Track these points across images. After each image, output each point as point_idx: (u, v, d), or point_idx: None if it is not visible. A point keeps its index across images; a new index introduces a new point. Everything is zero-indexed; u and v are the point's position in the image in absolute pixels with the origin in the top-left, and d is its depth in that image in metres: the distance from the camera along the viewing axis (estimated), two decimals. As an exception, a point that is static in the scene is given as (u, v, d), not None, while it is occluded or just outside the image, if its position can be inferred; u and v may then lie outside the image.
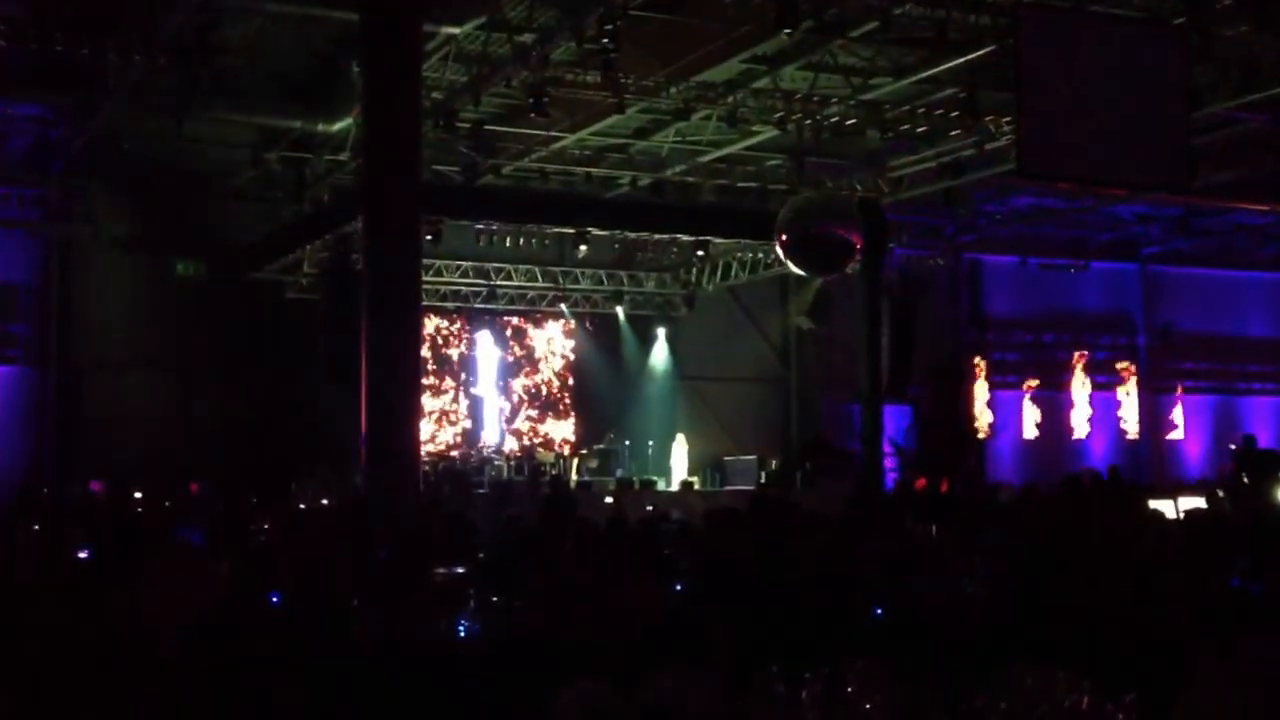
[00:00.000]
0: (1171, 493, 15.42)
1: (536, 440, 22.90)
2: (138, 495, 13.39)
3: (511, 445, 22.49)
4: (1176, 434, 25.10)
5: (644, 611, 6.91)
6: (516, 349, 23.19)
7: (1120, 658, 5.21)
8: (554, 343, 23.41)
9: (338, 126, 17.23)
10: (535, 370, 23.28)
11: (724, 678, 4.37)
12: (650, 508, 14.88)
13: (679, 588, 7.79)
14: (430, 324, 21.76)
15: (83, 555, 8.08)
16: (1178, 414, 25.21)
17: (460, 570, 7.83)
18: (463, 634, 6.45)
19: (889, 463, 20.11)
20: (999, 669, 4.60)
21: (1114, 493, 13.34)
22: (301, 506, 15.59)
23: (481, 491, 19.23)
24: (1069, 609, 6.69)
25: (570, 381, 23.42)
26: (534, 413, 23.16)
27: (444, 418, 22.29)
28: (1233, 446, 19.19)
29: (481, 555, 8.66)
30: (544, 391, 23.28)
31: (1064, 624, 6.37)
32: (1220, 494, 15.83)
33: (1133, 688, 4.35)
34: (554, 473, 20.43)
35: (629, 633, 6.10)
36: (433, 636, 5.83)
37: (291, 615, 5.92)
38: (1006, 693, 4.38)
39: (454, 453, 21.95)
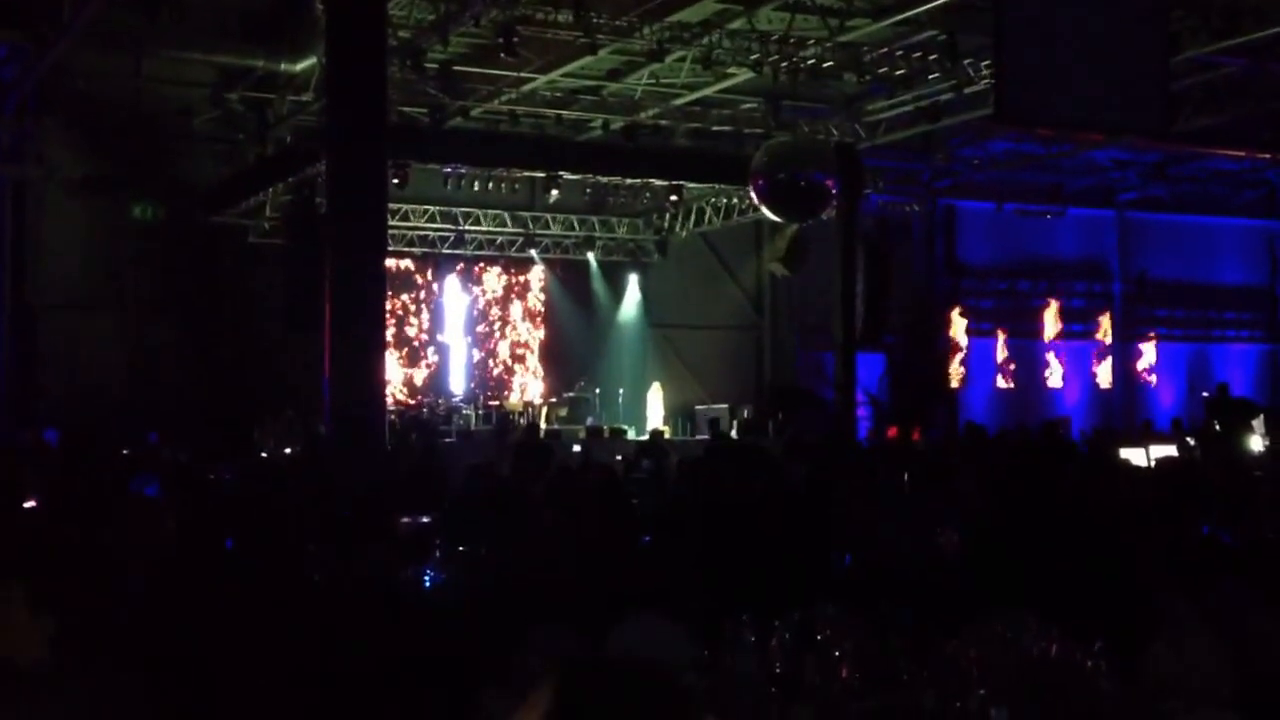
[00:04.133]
0: (1143, 441, 15.37)
1: (504, 389, 22.68)
2: (93, 444, 13.10)
3: (479, 395, 22.24)
4: (1149, 381, 25.07)
5: (612, 561, 6.74)
6: (485, 296, 22.90)
7: (1091, 605, 5.07)
8: (523, 290, 23.14)
9: (301, 66, 16.82)
10: (504, 318, 23.02)
11: (692, 626, 4.21)
12: (620, 457, 14.69)
13: (647, 539, 7.65)
14: (400, 265, 21.49)
15: (30, 505, 7.86)
16: (1151, 362, 25.17)
17: (425, 519, 7.64)
18: (428, 583, 6.26)
19: (862, 411, 19.99)
20: (969, 617, 4.45)
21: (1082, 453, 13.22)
22: (263, 455, 15.35)
23: (449, 441, 19.01)
24: (1039, 558, 6.58)
25: (540, 329, 23.18)
26: (502, 361, 22.92)
27: (410, 365, 22.02)
28: (1205, 395, 19.15)
29: (447, 505, 8.48)
30: (512, 339, 23.03)
31: (1034, 572, 6.26)
32: (1191, 442, 15.80)
33: (1103, 635, 4.21)
34: (526, 421, 20.22)
35: (597, 581, 5.93)
36: (395, 585, 5.64)
37: (244, 561, 5.72)
38: (976, 640, 4.23)
39: (420, 400, 21.69)
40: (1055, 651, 4.06)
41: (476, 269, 22.77)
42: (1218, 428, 16.32)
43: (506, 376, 22.87)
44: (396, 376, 20.84)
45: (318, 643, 4.41)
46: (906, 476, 9.36)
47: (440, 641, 4.72)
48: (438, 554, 7.03)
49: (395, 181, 17.12)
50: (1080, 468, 10.15)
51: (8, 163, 17.51)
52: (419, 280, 22.24)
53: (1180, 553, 6.90)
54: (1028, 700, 3.80)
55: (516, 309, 23.09)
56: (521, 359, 23.03)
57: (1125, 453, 13.04)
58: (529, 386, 22.87)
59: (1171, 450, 13.64)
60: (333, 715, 4.05)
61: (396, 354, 21.06)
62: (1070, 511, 7.73)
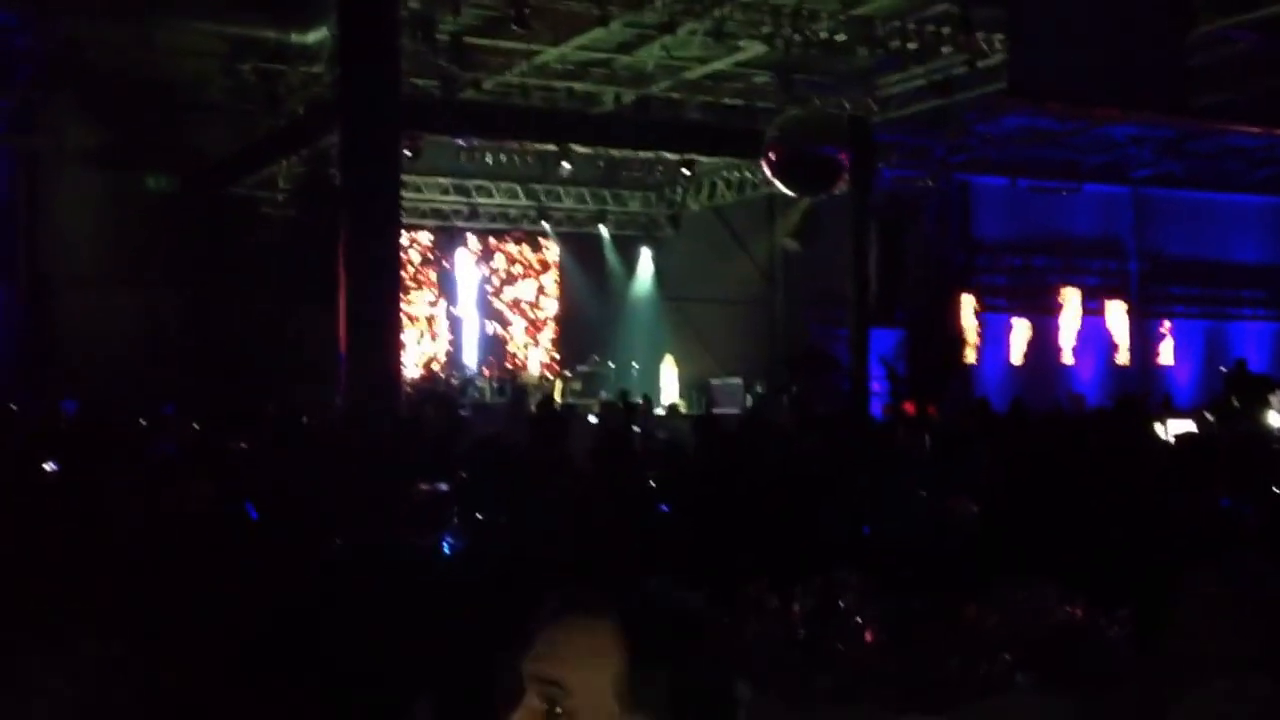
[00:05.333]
0: (1160, 417, 15.33)
1: (518, 362, 22.68)
2: (112, 413, 13.11)
3: (493, 368, 22.25)
4: (1166, 359, 24.96)
5: (629, 532, 6.74)
6: (497, 269, 22.88)
7: (1111, 575, 5.06)
8: (536, 263, 23.12)
9: (312, 38, 16.79)
10: (517, 291, 23.00)
11: (712, 591, 4.21)
12: (636, 429, 14.68)
13: (665, 509, 7.65)
14: (420, 239, 21.53)
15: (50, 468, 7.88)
16: (1167, 339, 25.06)
17: (443, 487, 7.66)
18: (447, 550, 6.27)
19: (876, 386, 19.94)
20: (988, 585, 4.44)
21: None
22: (278, 425, 15.34)
23: (464, 414, 19.01)
24: (1057, 528, 6.57)
25: (553, 302, 23.16)
26: (516, 334, 22.92)
27: (424, 339, 22.01)
28: (1223, 370, 19.08)
29: (465, 473, 8.50)
30: (525, 312, 23.02)
31: (1053, 542, 6.25)
32: (1209, 417, 15.76)
33: (1123, 603, 4.20)
34: (543, 393, 20.22)
35: (615, 551, 5.93)
36: (414, 552, 5.64)
37: (268, 527, 5.73)
38: (999, 606, 4.23)
39: (434, 373, 21.69)
40: (1080, 617, 4.05)
41: (489, 242, 22.74)
42: (1235, 403, 16.26)
43: (520, 350, 22.87)
44: (409, 351, 20.84)
45: (341, 607, 4.41)
46: (924, 448, 9.36)
47: (461, 606, 4.73)
48: (455, 521, 7.04)
49: (408, 154, 17.09)
50: (1103, 438, 10.12)
51: (20, 134, 17.50)
52: (433, 253, 22.24)
53: (1201, 524, 6.89)
54: (1052, 666, 3.79)
55: (529, 282, 23.07)
56: (535, 332, 23.03)
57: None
58: (542, 360, 22.87)
59: (1190, 425, 13.59)
60: (358, 679, 4.06)
61: (410, 328, 21.05)
62: (1089, 482, 7.71)
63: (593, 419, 17.22)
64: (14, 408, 14.20)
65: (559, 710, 1.75)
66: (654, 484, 8.26)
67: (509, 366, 22.44)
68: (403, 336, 16.52)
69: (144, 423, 13.72)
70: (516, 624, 3.97)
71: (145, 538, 5.24)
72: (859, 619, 4.34)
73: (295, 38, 16.88)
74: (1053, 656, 3.86)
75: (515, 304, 22.95)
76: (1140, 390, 20.17)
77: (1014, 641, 3.93)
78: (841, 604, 4.38)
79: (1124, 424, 11.02)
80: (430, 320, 22.11)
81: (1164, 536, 6.33)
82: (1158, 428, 13.20)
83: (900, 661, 4.01)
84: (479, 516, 7.27)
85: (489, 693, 3.39)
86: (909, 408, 18.73)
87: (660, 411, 20.30)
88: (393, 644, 4.20)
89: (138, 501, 5.78)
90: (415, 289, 21.62)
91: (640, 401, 19.54)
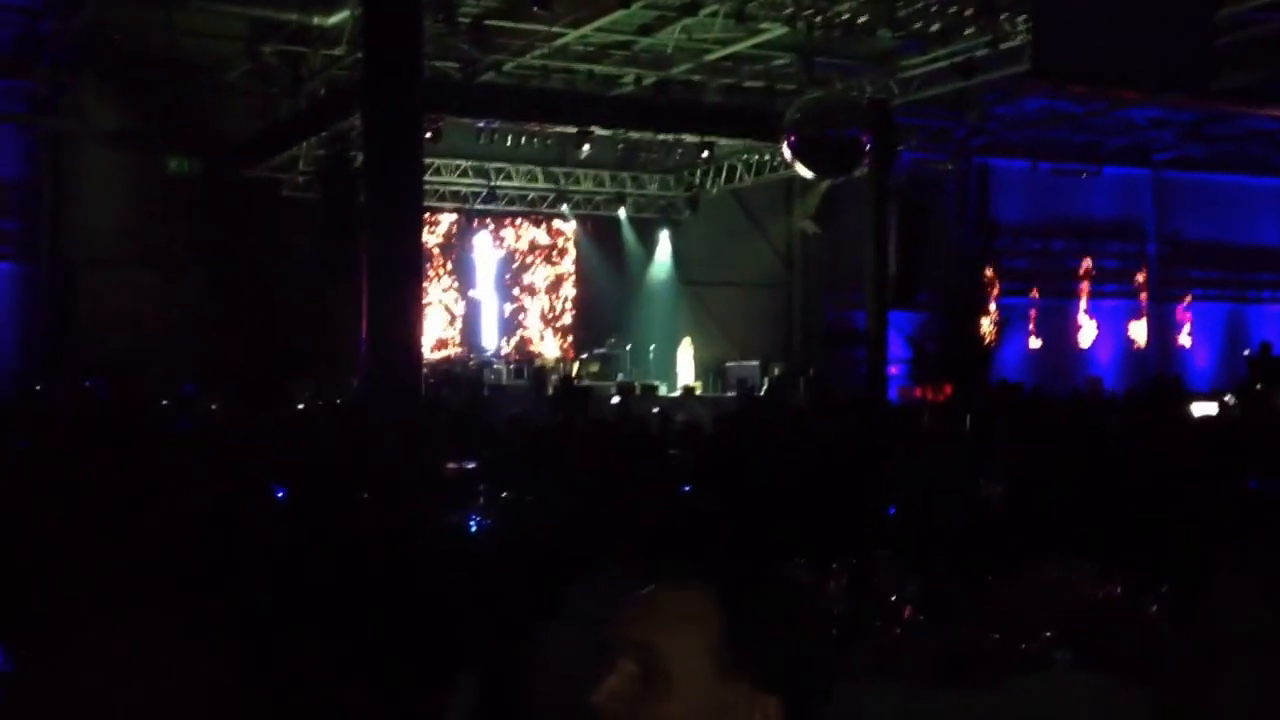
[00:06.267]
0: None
1: (536, 344, 22.70)
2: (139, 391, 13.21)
3: (511, 350, 22.28)
4: (1185, 342, 24.89)
5: (652, 509, 6.76)
6: (516, 251, 22.89)
7: (1142, 555, 5.07)
8: (554, 245, 23.12)
9: (334, 20, 16.75)
10: (535, 273, 23.01)
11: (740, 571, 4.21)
12: (656, 410, 14.71)
13: (687, 489, 7.67)
14: (442, 222, 21.59)
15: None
16: (1186, 322, 24.98)
17: (471, 465, 7.70)
18: (474, 529, 6.31)
19: (892, 370, 19.93)
20: (1018, 564, 4.44)
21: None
22: (300, 407, 15.42)
23: (483, 395, 19.06)
24: (1084, 508, 6.58)
25: (571, 284, 23.17)
26: (534, 316, 22.93)
27: (441, 322, 22.05)
28: (1247, 353, 19.01)
29: (487, 454, 8.53)
30: (543, 295, 23.03)
31: (1080, 522, 6.25)
32: (1231, 400, 15.73)
33: (1158, 583, 4.20)
34: (559, 375, 20.26)
35: (639, 529, 5.94)
36: (443, 529, 5.67)
37: (297, 508, 5.76)
38: (1036, 582, 4.23)
39: (451, 353, 21.73)
40: (1119, 595, 4.05)
41: (508, 224, 22.75)
42: (1259, 386, 16.21)
43: (538, 332, 22.89)
44: (428, 333, 20.87)
45: (370, 586, 4.43)
46: (948, 431, 9.36)
47: (494, 582, 4.74)
48: (481, 500, 7.07)
49: (428, 136, 17.07)
50: (1129, 420, 10.13)
51: (44, 116, 17.55)
52: (454, 235, 22.26)
53: (1228, 505, 6.89)
54: (1092, 643, 3.79)
55: (547, 264, 23.08)
56: (553, 315, 23.04)
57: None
58: (560, 342, 22.89)
59: (1211, 409, 13.58)
60: (387, 657, 4.08)
61: (429, 310, 21.08)
62: (1115, 463, 7.72)
63: (615, 399, 17.25)
64: (38, 388, 14.33)
65: (654, 673, 1.76)
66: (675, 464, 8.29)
67: (527, 349, 22.46)
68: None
69: (165, 402, 13.81)
70: (551, 599, 3.99)
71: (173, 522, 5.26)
72: (894, 597, 4.34)
73: (317, 20, 16.86)
74: (1092, 634, 3.86)
75: (533, 286, 22.96)
76: (1161, 373, 20.13)
77: (1053, 619, 3.93)
78: (876, 582, 4.39)
79: (1163, 406, 11.03)
80: (446, 307, 22.10)
81: (1194, 517, 6.33)
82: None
83: (938, 638, 4.02)
84: (505, 495, 7.31)
85: (529, 665, 3.41)
86: (919, 392, 18.75)
87: (676, 394, 20.33)
88: (430, 621, 4.22)
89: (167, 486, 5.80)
90: (434, 277, 21.62)
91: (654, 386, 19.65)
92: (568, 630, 3.69)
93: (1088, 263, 24.31)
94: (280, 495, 6.26)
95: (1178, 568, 4.58)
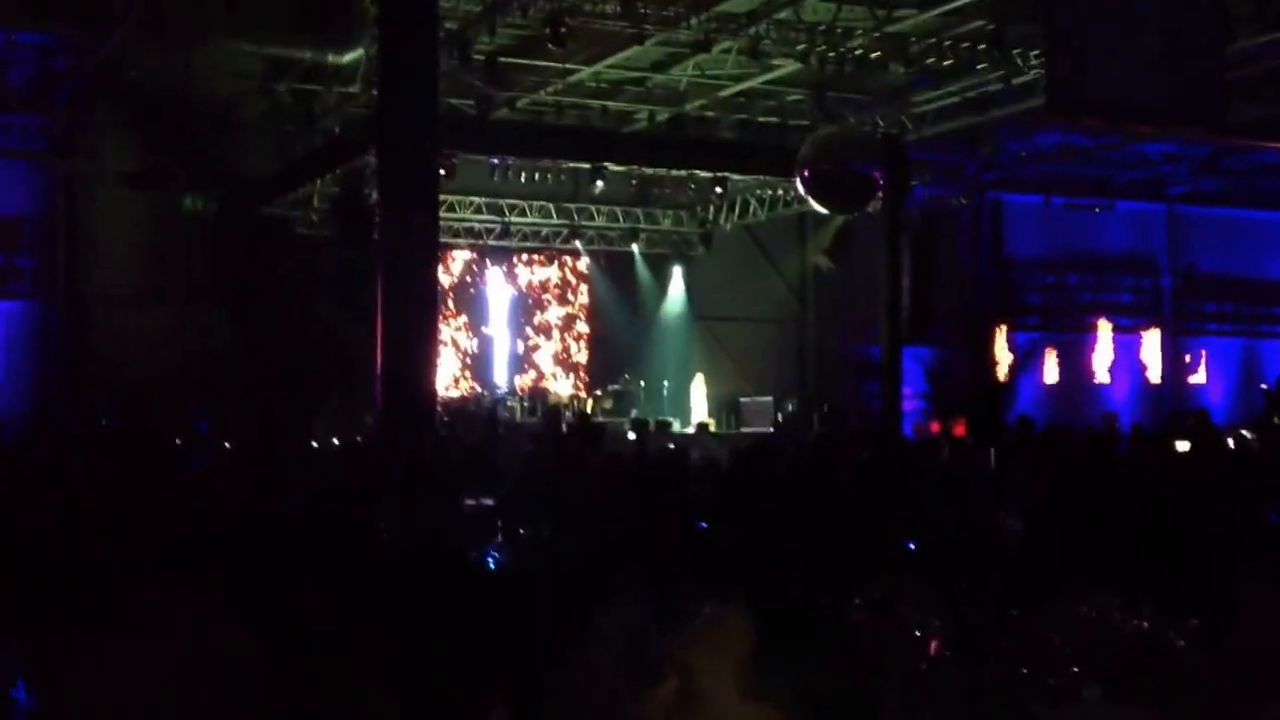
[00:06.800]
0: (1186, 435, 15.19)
1: (549, 381, 22.69)
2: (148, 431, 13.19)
3: (524, 387, 22.27)
4: (1199, 378, 24.77)
5: (672, 541, 6.72)
6: (529, 288, 22.92)
7: (1163, 588, 5.02)
8: (567, 281, 23.15)
9: (348, 58, 16.87)
10: (548, 310, 23.03)
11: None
12: (672, 445, 14.66)
13: (704, 525, 7.64)
14: (456, 259, 21.66)
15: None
16: (1201, 357, 24.87)
17: (489, 502, 7.67)
18: (492, 565, 6.26)
19: (908, 406, 19.88)
20: (1038, 599, 4.39)
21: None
22: (314, 444, 15.39)
23: (498, 432, 19.02)
24: (1102, 541, 6.53)
25: (584, 321, 23.18)
26: (547, 352, 22.93)
27: (462, 365, 22.05)
28: (1265, 387, 18.94)
29: (504, 491, 8.50)
30: (556, 331, 23.04)
31: (1098, 556, 6.20)
32: (1246, 434, 15.63)
33: (1188, 616, 4.15)
34: (576, 409, 20.24)
35: (658, 562, 5.90)
36: (464, 564, 5.64)
37: (318, 532, 5.72)
38: (1063, 617, 4.18)
39: (465, 391, 21.72)
40: (1148, 628, 4.00)
41: (522, 260, 22.80)
42: (1277, 420, 16.13)
43: (551, 368, 22.88)
44: (441, 370, 20.86)
45: (403, 617, 4.41)
46: (968, 466, 9.32)
47: (519, 614, 4.71)
48: (499, 537, 7.04)
49: (442, 173, 17.13)
50: (1150, 453, 10.08)
51: (61, 154, 17.64)
52: (468, 272, 22.32)
53: (1250, 538, 6.83)
54: (1121, 677, 3.75)
55: (560, 301, 23.11)
56: (566, 351, 23.04)
57: (1181, 445, 12.90)
58: (573, 378, 22.88)
59: (1229, 443, 13.48)
60: (426, 689, 4.05)
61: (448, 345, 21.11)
62: (1134, 496, 7.67)
63: (631, 435, 17.19)
64: (52, 425, 14.31)
65: (691, 691, 1.98)
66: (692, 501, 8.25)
67: (540, 385, 22.45)
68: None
69: (179, 441, 13.77)
70: (576, 629, 3.96)
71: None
72: (919, 631, 4.30)
73: (332, 58, 16.97)
74: (1121, 667, 3.82)
75: (546, 324, 22.98)
76: (1177, 407, 20.02)
77: (1081, 652, 3.89)
78: (901, 615, 4.35)
79: (1202, 438, 10.97)
80: (456, 343, 22.11)
81: (1218, 551, 6.28)
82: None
83: (965, 672, 3.97)
84: (521, 531, 7.27)
85: (557, 695, 3.38)
86: (936, 427, 18.67)
87: (690, 430, 20.26)
88: (459, 653, 4.19)
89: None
90: (450, 315, 21.64)
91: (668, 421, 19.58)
92: (597, 655, 3.68)
93: (1103, 297, 24.25)
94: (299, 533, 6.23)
95: (1205, 601, 4.53)
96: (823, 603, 4.21)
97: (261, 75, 18.34)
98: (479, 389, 21.92)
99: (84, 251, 18.27)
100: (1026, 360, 22.48)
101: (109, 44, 15.91)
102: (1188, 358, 24.71)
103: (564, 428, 17.46)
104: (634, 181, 21.43)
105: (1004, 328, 22.94)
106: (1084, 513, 7.20)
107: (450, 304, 21.93)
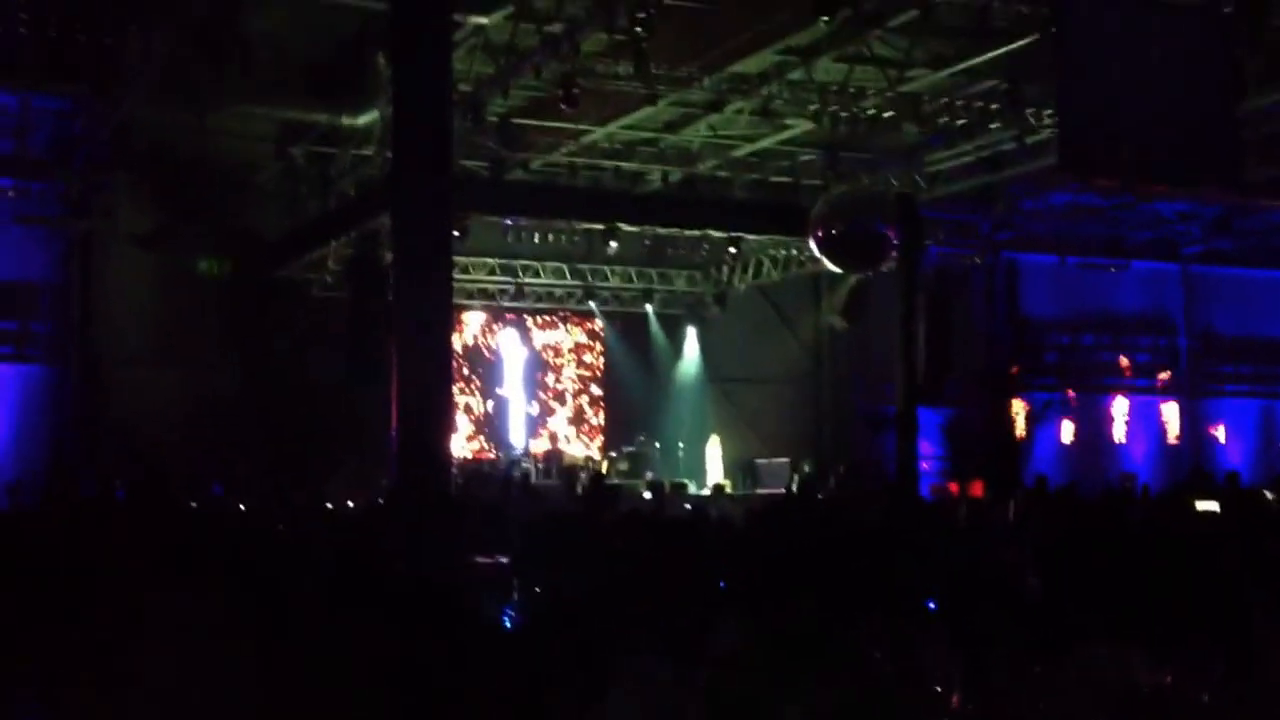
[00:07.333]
0: (1216, 495, 15.05)
1: (564, 443, 22.61)
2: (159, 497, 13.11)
3: (539, 448, 22.19)
4: (1218, 438, 24.58)
5: (691, 600, 6.62)
6: (544, 349, 22.91)
7: (1184, 643, 4.92)
8: (582, 343, 23.14)
9: (362, 120, 16.99)
10: (562, 371, 23.00)
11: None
12: (688, 505, 14.57)
13: (723, 585, 7.54)
14: (473, 322, 21.66)
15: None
16: (1219, 418, 24.69)
17: (504, 560, 7.60)
18: (508, 625, 6.17)
19: (925, 465, 19.73)
20: (1063, 651, 4.30)
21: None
22: (328, 506, 15.33)
23: (512, 492, 18.93)
24: (1121, 599, 6.43)
25: (599, 382, 23.13)
26: (561, 414, 22.87)
27: (477, 428, 22.00)
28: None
29: (519, 549, 8.43)
30: (571, 392, 22.99)
31: (1118, 612, 6.10)
32: (1269, 495, 15.48)
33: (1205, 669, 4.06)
34: (588, 474, 20.14)
35: (678, 620, 5.81)
36: (483, 624, 5.55)
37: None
38: (1084, 669, 4.09)
39: (479, 451, 21.65)
40: (1168, 681, 3.92)
41: (536, 321, 22.80)
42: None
43: (565, 430, 22.81)
44: (460, 432, 20.82)
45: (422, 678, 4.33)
46: (985, 525, 9.22)
47: (528, 677, 4.62)
48: (515, 595, 6.96)
49: (456, 234, 17.18)
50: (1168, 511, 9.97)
51: (77, 217, 17.71)
52: (482, 333, 22.33)
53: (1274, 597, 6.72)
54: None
55: (575, 362, 23.08)
56: (580, 412, 22.98)
57: (1201, 505, 12.78)
58: (588, 440, 22.80)
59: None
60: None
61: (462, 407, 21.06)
62: (1153, 550, 7.56)
63: (647, 495, 17.09)
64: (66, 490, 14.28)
65: None
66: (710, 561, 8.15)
67: (555, 447, 22.37)
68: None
69: (193, 505, 13.72)
70: (594, 683, 3.88)
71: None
72: (940, 686, 4.22)
73: (346, 121, 17.10)
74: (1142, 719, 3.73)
75: (560, 384, 22.94)
76: (1196, 467, 19.86)
77: (1102, 704, 3.80)
78: (922, 671, 4.27)
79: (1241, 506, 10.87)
80: (469, 408, 22.05)
81: (1240, 608, 6.18)
82: (1213, 504, 12.97)
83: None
84: (537, 589, 7.19)
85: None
86: (954, 488, 18.54)
87: (706, 491, 20.14)
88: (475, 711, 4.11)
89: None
90: (465, 380, 21.59)
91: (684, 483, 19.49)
92: (615, 708, 3.62)
93: (1124, 360, 24.13)
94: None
95: (1229, 653, 4.45)
96: (844, 651, 4.14)
97: (276, 138, 18.49)
98: (495, 450, 21.85)
99: (98, 313, 18.28)
100: (1036, 421, 22.34)
101: (125, 107, 16.04)
102: (1206, 418, 24.55)
103: (579, 489, 17.40)
104: (647, 242, 21.46)
105: (1021, 387, 22.83)
106: (1103, 566, 7.10)
107: (464, 368, 21.91)
